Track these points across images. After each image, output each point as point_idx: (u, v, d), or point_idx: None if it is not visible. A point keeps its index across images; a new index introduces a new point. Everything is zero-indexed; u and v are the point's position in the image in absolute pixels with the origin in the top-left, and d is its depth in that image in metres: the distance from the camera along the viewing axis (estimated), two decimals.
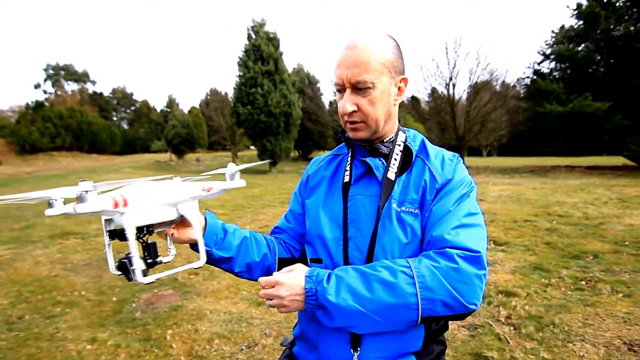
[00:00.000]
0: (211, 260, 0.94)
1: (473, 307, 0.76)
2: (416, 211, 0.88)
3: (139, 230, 0.76)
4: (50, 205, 0.63)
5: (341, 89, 0.89)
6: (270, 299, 0.80)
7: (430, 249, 0.82)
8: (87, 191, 0.63)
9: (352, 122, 0.90)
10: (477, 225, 0.84)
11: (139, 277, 0.72)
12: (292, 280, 0.79)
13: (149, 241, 0.79)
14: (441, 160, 0.93)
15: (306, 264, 0.95)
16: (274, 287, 0.79)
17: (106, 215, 0.74)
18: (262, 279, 0.81)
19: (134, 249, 0.72)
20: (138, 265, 0.72)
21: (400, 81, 0.91)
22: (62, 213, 0.63)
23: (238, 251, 0.97)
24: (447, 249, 0.78)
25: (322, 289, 0.77)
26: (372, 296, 0.75)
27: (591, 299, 3.02)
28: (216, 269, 4.22)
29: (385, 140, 0.96)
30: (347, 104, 0.87)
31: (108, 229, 0.78)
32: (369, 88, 0.85)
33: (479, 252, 0.78)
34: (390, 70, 0.87)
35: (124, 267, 0.73)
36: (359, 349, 0.88)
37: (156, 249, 0.80)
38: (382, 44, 0.86)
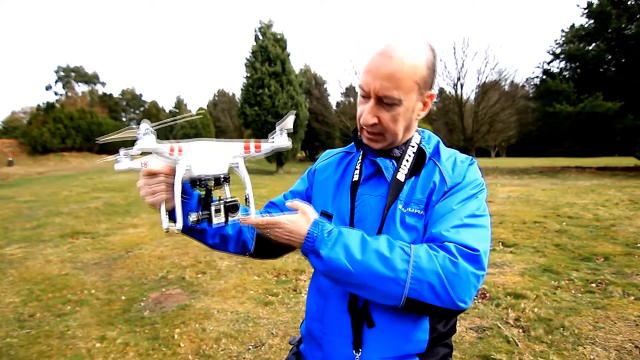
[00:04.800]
0: (185, 229, 0.86)
1: (462, 304, 0.74)
2: (421, 212, 0.86)
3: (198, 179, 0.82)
4: (117, 161, 0.75)
5: (366, 96, 0.86)
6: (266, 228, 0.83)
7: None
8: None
9: (369, 132, 0.89)
10: (480, 226, 0.81)
11: (253, 215, 0.84)
12: (294, 224, 0.81)
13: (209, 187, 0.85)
14: (453, 162, 0.91)
15: None
16: (273, 224, 0.81)
17: (167, 160, 0.78)
18: (263, 219, 0.82)
19: (250, 190, 0.85)
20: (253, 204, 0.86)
21: (427, 97, 0.89)
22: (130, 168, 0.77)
23: None
24: (447, 243, 0.77)
25: (322, 237, 0.78)
26: (362, 259, 0.74)
27: (602, 302, 2.98)
28: (223, 268, 4.30)
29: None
30: (369, 115, 0.85)
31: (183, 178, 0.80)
32: (395, 104, 0.83)
33: (478, 250, 0.75)
34: (421, 86, 0.84)
35: (232, 207, 0.81)
36: (360, 349, 0.87)
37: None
38: (420, 57, 0.82)
